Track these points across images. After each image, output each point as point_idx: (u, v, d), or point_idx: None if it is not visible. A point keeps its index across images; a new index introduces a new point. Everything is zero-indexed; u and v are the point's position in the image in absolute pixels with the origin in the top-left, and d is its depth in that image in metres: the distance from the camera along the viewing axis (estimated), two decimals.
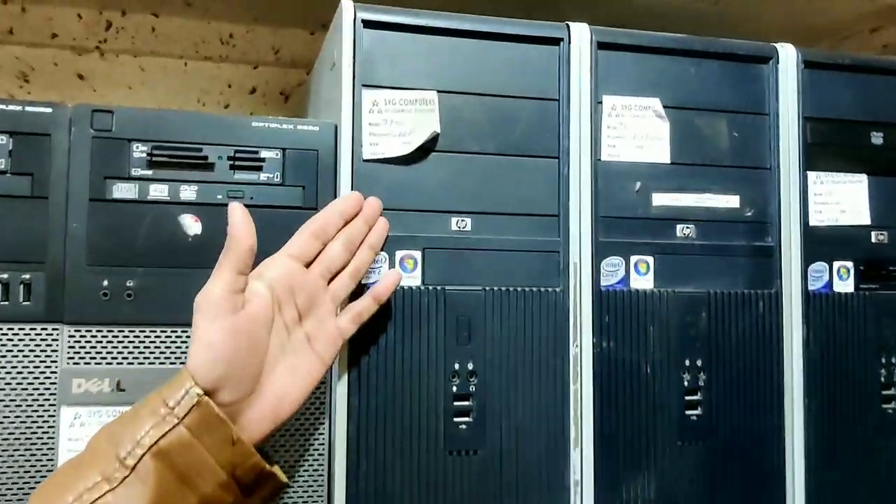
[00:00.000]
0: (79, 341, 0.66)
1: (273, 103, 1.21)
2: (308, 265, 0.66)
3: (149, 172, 0.68)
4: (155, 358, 0.68)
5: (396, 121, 0.71)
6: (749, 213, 0.80)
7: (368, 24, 0.71)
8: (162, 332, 0.68)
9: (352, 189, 0.70)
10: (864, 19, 1.12)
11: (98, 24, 1.14)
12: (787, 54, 0.81)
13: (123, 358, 0.67)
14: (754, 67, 0.81)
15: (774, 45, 0.82)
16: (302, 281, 0.65)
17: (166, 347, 0.68)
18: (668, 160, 0.78)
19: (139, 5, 1.12)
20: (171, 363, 0.68)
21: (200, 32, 1.17)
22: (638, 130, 0.77)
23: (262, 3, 1.11)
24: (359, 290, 0.69)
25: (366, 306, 0.68)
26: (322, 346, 0.65)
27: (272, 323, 0.63)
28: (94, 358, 0.67)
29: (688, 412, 0.76)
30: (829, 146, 0.83)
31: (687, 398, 0.77)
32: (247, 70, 1.20)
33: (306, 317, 0.65)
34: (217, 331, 0.58)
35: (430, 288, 0.71)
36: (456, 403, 0.71)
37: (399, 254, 0.71)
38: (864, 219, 0.83)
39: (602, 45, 0.77)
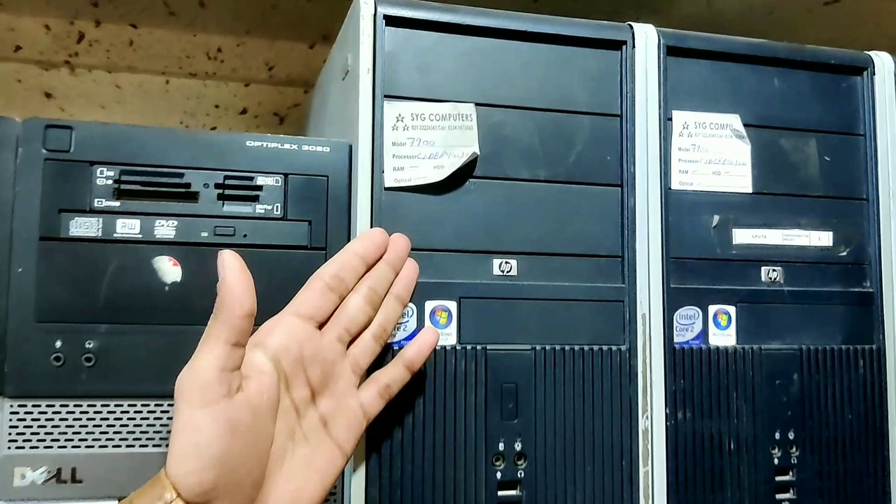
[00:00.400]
0: (23, 419, 0.52)
1: (266, 126, 1.07)
2: (321, 325, 0.52)
3: (116, 204, 0.54)
4: (121, 439, 0.53)
5: (426, 140, 0.58)
6: (843, 253, 0.66)
7: (392, 20, 0.58)
8: (130, 406, 0.54)
9: (371, 224, 0.56)
10: None
11: (68, 36, 1.00)
12: (884, 64, 0.68)
13: (81, 440, 0.53)
14: (846, 79, 0.68)
15: (868, 53, 0.68)
16: (315, 348, 0.50)
17: (136, 426, 0.54)
18: (749, 189, 0.64)
19: (115, 14, 0.98)
20: (142, 446, 0.54)
21: (185, 46, 1.03)
22: (715, 153, 0.64)
23: (255, 12, 0.97)
24: (383, 354, 0.55)
25: (395, 376, 0.53)
26: (342, 431, 0.51)
27: (278, 406, 0.48)
28: (44, 440, 0.52)
29: (779, 496, 0.62)
30: None
31: (777, 479, 0.63)
32: (237, 88, 1.06)
33: (321, 394, 0.51)
34: (206, 424, 0.44)
35: (468, 348, 0.57)
36: (501, 493, 0.57)
37: (429, 305, 0.57)
38: None
39: (671, 51, 0.63)
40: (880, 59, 0.68)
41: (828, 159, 0.66)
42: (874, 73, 0.68)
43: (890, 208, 0.67)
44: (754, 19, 0.94)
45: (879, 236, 0.67)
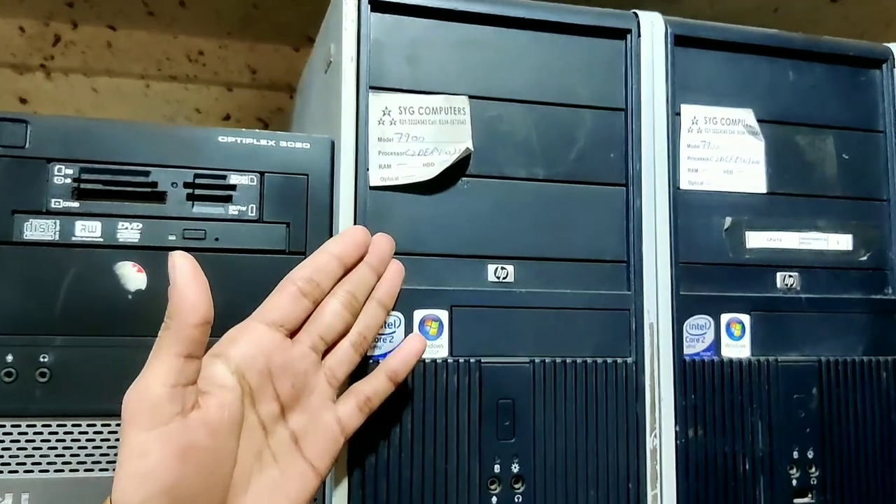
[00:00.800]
0: None
1: None
2: (293, 334, 0.47)
3: (75, 205, 0.49)
4: (79, 463, 0.49)
5: (415, 135, 0.53)
6: (864, 258, 0.62)
7: (378, 6, 0.54)
8: (89, 426, 0.49)
9: (354, 224, 0.52)
10: None
11: (44, 38, 0.96)
12: None
13: (34, 463, 0.48)
14: (864, 73, 0.64)
15: (888, 45, 0.64)
16: (285, 358, 0.46)
17: (95, 448, 0.49)
18: (764, 189, 0.60)
19: (92, 15, 0.94)
20: (102, 469, 0.49)
21: (165, 48, 0.99)
22: (726, 150, 0.59)
23: (237, 13, 0.93)
24: (365, 365, 0.50)
25: (377, 388, 0.49)
26: (315, 449, 0.46)
27: (241, 424, 0.43)
28: None
29: None
30: None
31: (796, 501, 0.58)
32: (219, 92, 1.02)
33: (292, 409, 0.46)
34: (155, 448, 0.39)
35: (461, 360, 0.52)
36: None
37: (419, 314, 0.52)
38: None
39: (680, 40, 0.59)
40: None
41: (846, 157, 0.62)
42: (894, 66, 0.64)
43: None
44: (759, 17, 0.90)
45: None
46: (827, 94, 0.63)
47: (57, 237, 0.49)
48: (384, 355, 0.51)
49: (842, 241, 0.61)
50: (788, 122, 0.61)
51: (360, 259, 0.50)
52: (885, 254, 0.62)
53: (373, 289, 0.50)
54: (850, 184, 0.62)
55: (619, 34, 0.58)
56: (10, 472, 0.47)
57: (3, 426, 0.48)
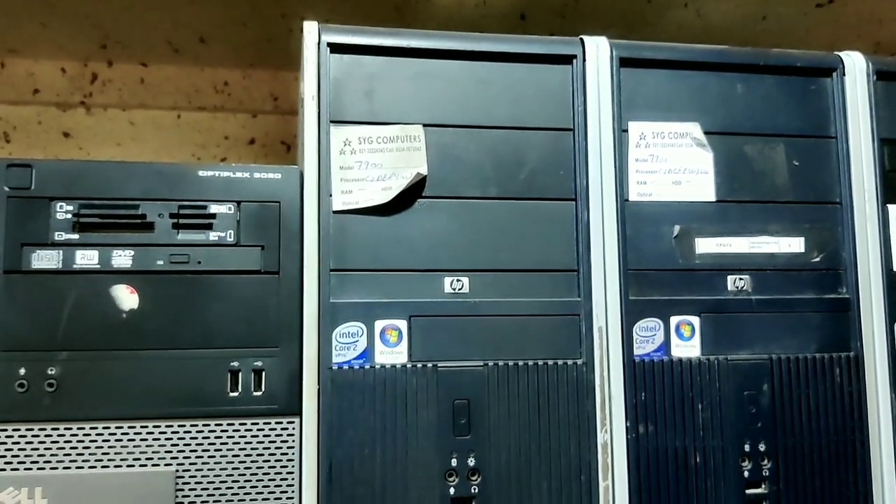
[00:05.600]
0: None
1: (274, 154, 1.10)
2: None
3: (75, 236, 0.57)
4: (83, 461, 0.55)
5: (373, 162, 0.59)
6: (817, 259, 0.65)
7: (336, 48, 0.59)
8: (92, 428, 0.56)
9: (318, 246, 0.57)
10: None
11: (83, 77, 1.05)
12: (855, 64, 0.67)
13: (46, 462, 0.55)
14: (815, 81, 0.67)
15: (838, 53, 0.67)
16: None
17: (97, 448, 0.56)
18: (713, 197, 0.64)
19: (125, 55, 1.02)
20: (104, 466, 0.56)
21: (193, 81, 1.07)
22: (674, 163, 0.63)
23: (254, 46, 1.00)
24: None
25: None
26: None
27: None
28: (10, 463, 0.55)
29: None
30: None
31: (748, 492, 0.61)
32: (245, 119, 1.09)
33: None
34: None
35: (419, 366, 0.58)
36: None
37: (379, 324, 0.58)
38: None
39: (625, 62, 0.63)
40: (850, 59, 0.67)
41: (796, 164, 0.65)
42: (844, 74, 0.66)
43: (865, 211, 0.65)
44: (747, 26, 0.93)
45: (854, 240, 0.65)
46: (777, 105, 0.66)
47: (60, 265, 0.56)
48: (349, 362, 0.57)
49: (793, 244, 0.64)
50: (738, 132, 0.65)
51: None
52: (839, 254, 0.65)
53: None
54: (802, 189, 0.65)
55: (566, 60, 0.63)
56: (25, 469, 0.55)
57: (18, 430, 0.55)
